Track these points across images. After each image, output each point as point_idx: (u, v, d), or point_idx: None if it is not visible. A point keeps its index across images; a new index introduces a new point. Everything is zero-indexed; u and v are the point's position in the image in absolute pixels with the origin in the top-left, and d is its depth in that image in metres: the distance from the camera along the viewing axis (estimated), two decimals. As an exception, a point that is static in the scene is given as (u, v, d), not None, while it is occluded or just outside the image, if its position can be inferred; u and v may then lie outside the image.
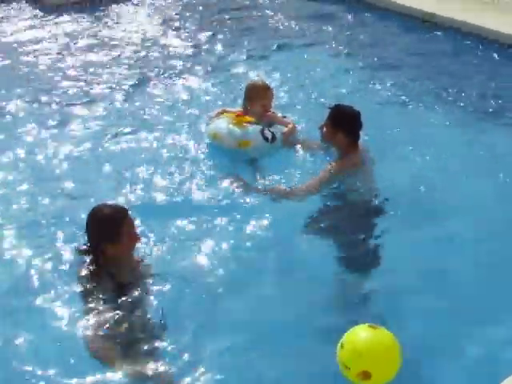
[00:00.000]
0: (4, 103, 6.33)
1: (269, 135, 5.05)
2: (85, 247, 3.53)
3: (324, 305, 3.81)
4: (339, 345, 2.76)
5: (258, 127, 5.08)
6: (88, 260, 3.46)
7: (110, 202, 3.57)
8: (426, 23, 8.55)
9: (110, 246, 3.37)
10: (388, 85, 6.81)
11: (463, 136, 5.72)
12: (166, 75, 7.10)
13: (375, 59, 7.64)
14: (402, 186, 4.78)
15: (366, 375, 2.68)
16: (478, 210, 4.59)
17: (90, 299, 3.34)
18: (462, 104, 6.39)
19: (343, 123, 4.54)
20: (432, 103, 6.41)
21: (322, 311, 3.74)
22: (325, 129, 4.66)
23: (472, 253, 4.15)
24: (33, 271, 3.84)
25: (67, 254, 3.89)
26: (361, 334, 2.75)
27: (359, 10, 9.32)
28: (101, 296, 3.34)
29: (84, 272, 3.43)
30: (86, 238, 3.51)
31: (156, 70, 7.27)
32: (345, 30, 8.72)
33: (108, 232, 3.36)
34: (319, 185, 4.45)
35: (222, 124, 5.14)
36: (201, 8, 9.58)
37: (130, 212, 3.48)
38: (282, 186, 4.63)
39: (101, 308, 3.31)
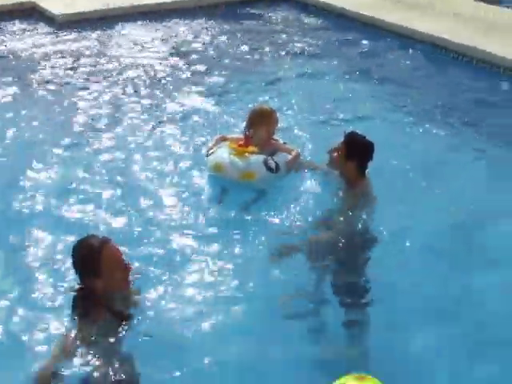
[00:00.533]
0: (12, 122, 6.30)
1: (272, 165, 4.88)
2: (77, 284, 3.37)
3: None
4: None
5: (261, 157, 4.91)
6: (81, 296, 3.30)
7: (90, 234, 3.38)
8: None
9: (98, 281, 3.20)
10: (396, 107, 6.77)
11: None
12: (168, 96, 6.95)
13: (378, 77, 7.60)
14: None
15: None
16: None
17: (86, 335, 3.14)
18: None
19: (357, 153, 4.41)
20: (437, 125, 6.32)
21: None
22: (335, 154, 4.53)
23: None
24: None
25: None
26: None
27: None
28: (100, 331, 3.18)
29: (79, 309, 3.26)
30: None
31: (158, 90, 7.15)
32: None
33: (89, 267, 3.20)
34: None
35: (224, 155, 4.98)
36: (207, 28, 9.48)
37: (112, 242, 3.30)
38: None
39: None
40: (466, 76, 7.64)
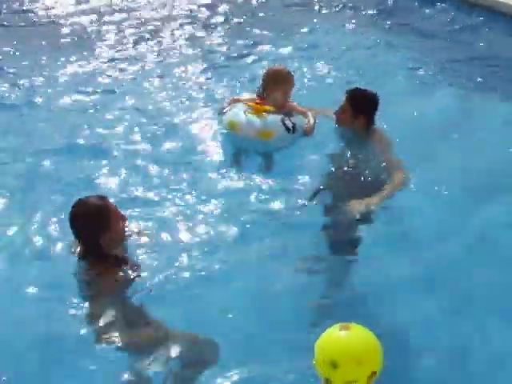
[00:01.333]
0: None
1: (290, 125, 4.74)
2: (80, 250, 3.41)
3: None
4: (329, 367, 2.49)
5: (279, 116, 4.76)
6: (89, 261, 3.35)
7: (85, 196, 3.39)
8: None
9: (107, 235, 3.32)
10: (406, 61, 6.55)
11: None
12: (174, 58, 6.80)
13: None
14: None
15: (373, 375, 2.55)
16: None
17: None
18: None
19: (362, 109, 4.46)
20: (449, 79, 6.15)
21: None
22: (342, 115, 4.54)
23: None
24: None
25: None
26: (349, 343, 2.54)
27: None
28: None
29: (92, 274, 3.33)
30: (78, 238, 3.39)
31: (165, 54, 6.95)
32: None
33: (101, 222, 3.29)
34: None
35: (240, 113, 4.80)
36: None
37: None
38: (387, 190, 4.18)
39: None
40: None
